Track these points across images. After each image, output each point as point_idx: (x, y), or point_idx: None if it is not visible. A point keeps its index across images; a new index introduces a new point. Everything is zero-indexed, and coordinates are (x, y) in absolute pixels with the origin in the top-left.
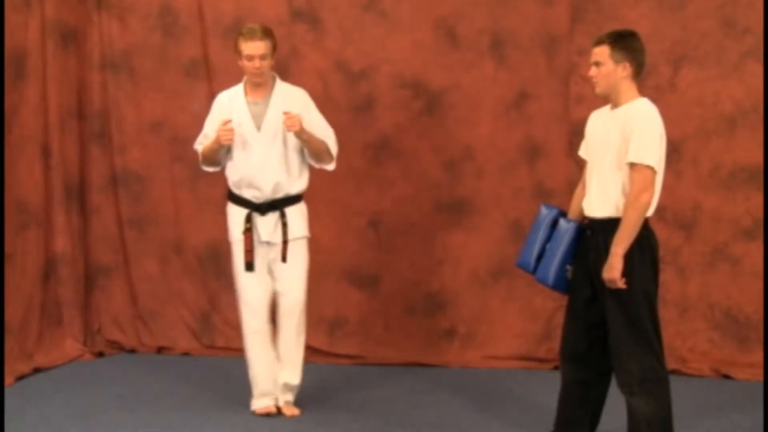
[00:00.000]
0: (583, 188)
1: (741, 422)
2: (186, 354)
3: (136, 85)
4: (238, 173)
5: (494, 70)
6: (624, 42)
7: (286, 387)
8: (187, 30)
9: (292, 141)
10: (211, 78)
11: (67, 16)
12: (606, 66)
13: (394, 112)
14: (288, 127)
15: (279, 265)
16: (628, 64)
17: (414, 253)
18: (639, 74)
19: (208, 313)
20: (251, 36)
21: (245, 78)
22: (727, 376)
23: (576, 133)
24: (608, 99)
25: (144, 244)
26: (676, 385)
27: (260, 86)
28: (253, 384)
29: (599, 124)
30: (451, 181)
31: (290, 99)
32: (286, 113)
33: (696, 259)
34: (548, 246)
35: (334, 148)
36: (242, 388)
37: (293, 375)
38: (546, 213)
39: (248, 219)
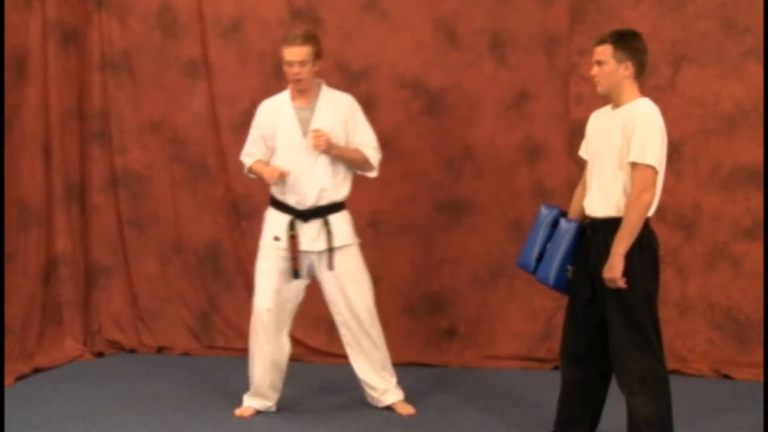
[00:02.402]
0: (584, 188)
1: (741, 422)
2: (186, 354)
3: (136, 85)
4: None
5: (494, 70)
6: (627, 41)
7: (389, 388)
8: (186, 30)
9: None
10: (210, 78)
11: (67, 16)
12: (608, 65)
13: (394, 112)
14: (315, 146)
15: (328, 276)
16: (630, 64)
17: (414, 253)
18: (641, 74)
19: (207, 313)
20: (291, 42)
21: (291, 84)
22: (727, 376)
23: (576, 133)
24: (609, 98)
25: (144, 244)
26: (676, 385)
27: (305, 92)
28: (258, 380)
29: (600, 124)
30: (451, 181)
31: (336, 105)
32: (314, 131)
33: (696, 259)
34: (549, 246)
35: (375, 156)
36: (242, 388)
37: (388, 377)
38: (546, 213)
39: (292, 226)
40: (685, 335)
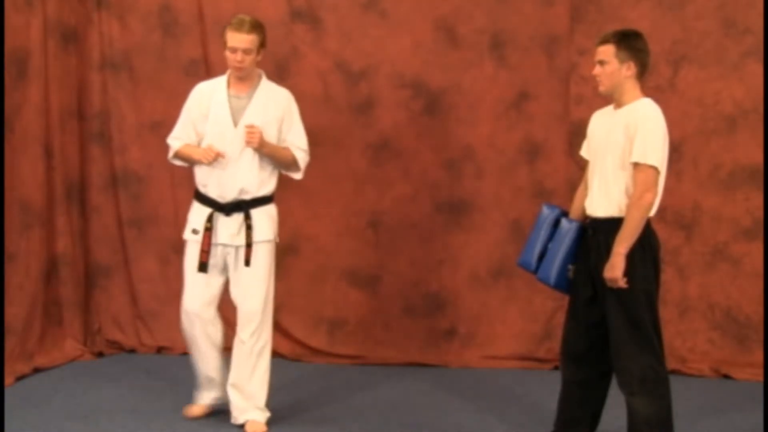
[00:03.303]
0: (585, 188)
1: (741, 422)
2: (186, 354)
3: (136, 85)
4: (208, 169)
5: (494, 70)
6: (629, 41)
7: (249, 404)
8: (186, 30)
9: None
10: (210, 78)
11: (67, 16)
12: (611, 65)
13: (394, 112)
14: (246, 143)
15: (238, 271)
16: (632, 64)
17: (414, 253)
18: (643, 74)
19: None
20: (238, 27)
21: (229, 71)
22: (727, 376)
23: (576, 133)
24: (611, 98)
25: (144, 244)
26: (676, 385)
27: (243, 81)
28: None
29: (602, 124)
30: (451, 181)
31: (273, 99)
32: (247, 127)
33: (696, 259)
34: (550, 246)
35: (303, 159)
36: None
37: (255, 395)
38: (548, 212)
39: (210, 219)
40: (685, 335)
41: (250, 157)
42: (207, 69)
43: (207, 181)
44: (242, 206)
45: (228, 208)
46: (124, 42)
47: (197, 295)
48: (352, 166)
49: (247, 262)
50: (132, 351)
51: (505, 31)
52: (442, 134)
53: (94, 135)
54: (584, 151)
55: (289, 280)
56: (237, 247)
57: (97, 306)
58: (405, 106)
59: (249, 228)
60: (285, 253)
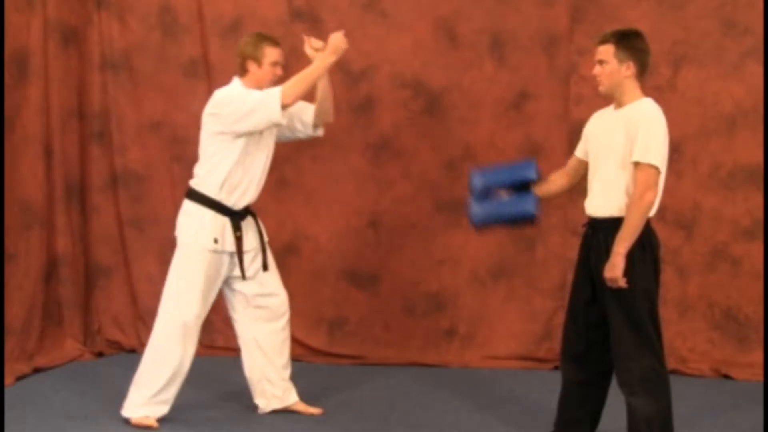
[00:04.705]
0: (566, 174)
1: (741, 422)
2: None
3: (136, 85)
4: (239, 175)
5: (494, 70)
6: (629, 41)
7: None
8: (186, 30)
9: None
10: (210, 78)
11: (67, 16)
12: (610, 65)
13: (394, 112)
14: (337, 51)
15: (258, 273)
16: (632, 64)
17: (414, 253)
18: (643, 74)
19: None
20: (276, 43)
21: (246, 83)
22: (727, 376)
23: (576, 133)
24: (611, 98)
25: (144, 244)
26: (676, 385)
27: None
28: (165, 387)
29: (602, 125)
30: (451, 181)
31: None
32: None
33: (696, 259)
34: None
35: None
36: (242, 388)
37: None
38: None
39: (238, 227)
40: (685, 335)
41: (268, 164)
42: (207, 69)
43: (236, 186)
44: (248, 211)
45: (241, 214)
46: (124, 42)
47: (203, 307)
48: (352, 166)
49: (265, 267)
50: (132, 351)
51: (505, 31)
52: (442, 134)
53: (94, 135)
54: (579, 152)
55: (289, 280)
56: (249, 252)
57: (97, 306)
58: (405, 106)
59: (260, 232)
60: (285, 253)
